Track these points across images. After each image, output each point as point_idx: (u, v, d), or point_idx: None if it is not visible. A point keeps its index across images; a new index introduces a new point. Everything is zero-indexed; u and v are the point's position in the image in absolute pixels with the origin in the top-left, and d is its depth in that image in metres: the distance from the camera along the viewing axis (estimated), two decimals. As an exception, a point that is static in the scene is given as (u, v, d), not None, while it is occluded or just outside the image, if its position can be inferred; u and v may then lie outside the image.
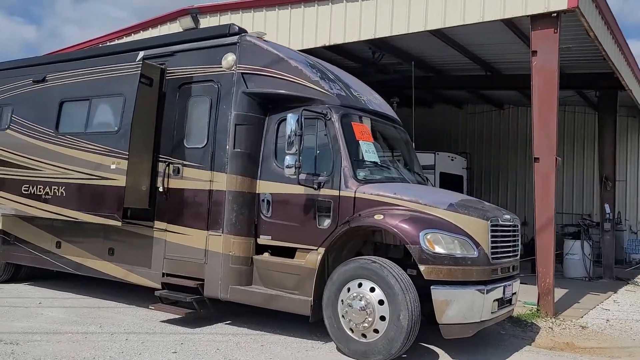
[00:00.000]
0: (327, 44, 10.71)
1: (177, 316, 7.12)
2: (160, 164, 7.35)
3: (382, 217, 5.70)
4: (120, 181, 7.07)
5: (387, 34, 10.08)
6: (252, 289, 6.52)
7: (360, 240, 6.37)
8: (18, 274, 9.63)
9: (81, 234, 8.11)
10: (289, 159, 6.04)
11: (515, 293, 6.34)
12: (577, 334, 7.45)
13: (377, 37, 10.25)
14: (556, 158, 8.37)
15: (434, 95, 19.31)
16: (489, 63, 14.15)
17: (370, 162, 6.47)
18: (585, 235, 14.09)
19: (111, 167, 7.19)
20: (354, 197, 6.00)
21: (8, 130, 8.62)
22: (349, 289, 5.76)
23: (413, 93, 9.84)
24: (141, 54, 7.21)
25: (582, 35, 9.75)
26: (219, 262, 6.66)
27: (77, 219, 7.51)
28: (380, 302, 5.52)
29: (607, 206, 13.68)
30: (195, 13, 12.85)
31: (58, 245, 8.42)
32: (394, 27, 9.97)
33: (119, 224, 7.06)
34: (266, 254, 6.71)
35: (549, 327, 7.62)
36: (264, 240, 6.68)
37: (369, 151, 6.47)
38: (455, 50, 12.66)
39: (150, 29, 14.08)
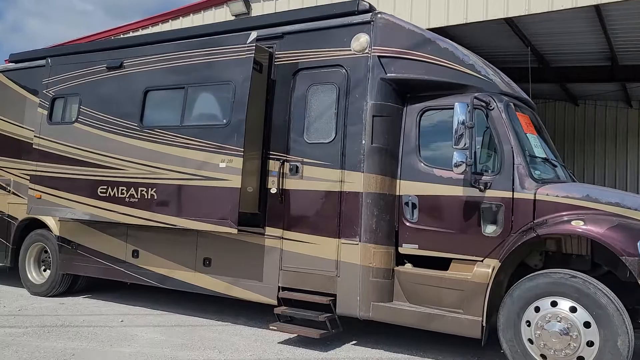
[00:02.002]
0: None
1: (291, 336, 6.26)
2: (271, 161, 6.41)
3: (581, 223, 4.86)
4: (233, 182, 6.10)
5: (481, 18, 9.24)
6: (403, 307, 5.63)
7: (526, 249, 5.51)
8: (75, 286, 8.61)
9: (166, 241, 7.11)
10: (457, 156, 5.16)
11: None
12: None
13: (468, 22, 9.43)
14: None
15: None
16: (542, 55, 13.45)
17: (541, 158, 5.63)
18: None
19: (220, 166, 6.21)
20: (534, 200, 5.15)
21: (76, 124, 7.54)
22: (537, 309, 4.91)
23: (530, 85, 8.99)
24: (254, 34, 6.22)
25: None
26: (356, 275, 5.76)
27: (175, 225, 6.51)
28: (586, 325, 4.68)
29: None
30: (247, -3, 11.87)
31: (135, 254, 7.40)
32: (488, 11, 9.16)
33: (234, 231, 6.09)
34: (409, 265, 5.83)
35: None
36: (407, 249, 5.79)
37: (537, 146, 5.63)
38: (519, 41, 11.93)
39: (192, 14, 13.05)
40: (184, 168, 6.48)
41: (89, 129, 7.39)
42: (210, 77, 6.51)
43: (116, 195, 6.99)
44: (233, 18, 12.17)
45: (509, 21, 10.46)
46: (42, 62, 8.54)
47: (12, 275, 9.34)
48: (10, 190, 8.90)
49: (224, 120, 6.32)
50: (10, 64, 9.57)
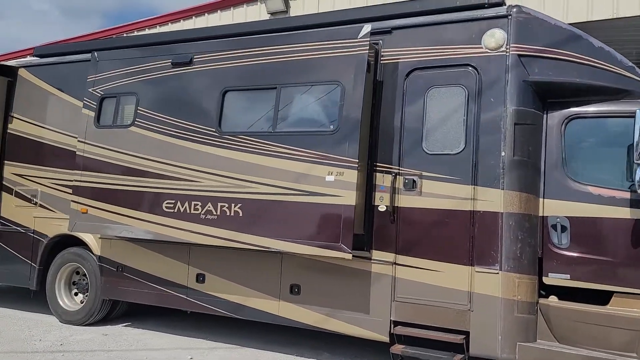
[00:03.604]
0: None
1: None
2: (378, 174, 5.54)
3: None
4: (346, 198, 5.20)
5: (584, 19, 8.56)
6: (560, 349, 4.79)
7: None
8: (112, 313, 7.52)
9: (240, 264, 6.15)
10: None
11: None
12: None
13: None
14: None
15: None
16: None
17: None
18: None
19: (327, 179, 5.31)
20: None
21: (133, 128, 6.52)
22: None
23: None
24: (367, 27, 5.36)
25: None
26: (496, 309, 4.92)
27: (268, 248, 5.56)
28: None
29: None
30: (288, -6, 10.99)
31: (200, 278, 6.41)
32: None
33: (347, 256, 5.19)
34: (554, 298, 5.03)
35: None
36: (555, 279, 4.98)
37: None
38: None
39: (219, 11, 12.10)
40: (279, 181, 5.55)
41: (149, 133, 6.38)
42: (311, 76, 5.60)
43: (188, 211, 5.99)
44: (269, 16, 11.29)
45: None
46: (80, 56, 7.54)
47: (33, 300, 8.21)
48: (36, 203, 7.76)
49: (331, 127, 5.43)
50: (35, 58, 8.46)
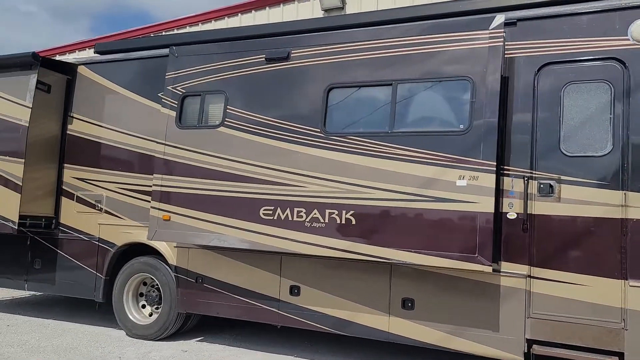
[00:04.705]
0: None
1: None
2: (506, 178, 5.06)
3: None
4: (482, 204, 4.73)
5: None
6: None
7: None
8: (184, 326, 7.02)
9: (342, 276, 5.67)
10: None
11: None
12: None
13: None
14: None
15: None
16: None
17: None
18: None
19: (457, 184, 4.83)
20: None
21: (222, 129, 6.03)
22: None
23: None
24: (500, 17, 4.91)
25: None
26: (656, 328, 4.46)
27: (390, 259, 5.06)
28: None
29: None
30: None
31: (294, 291, 5.93)
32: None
33: (487, 269, 4.71)
34: None
35: None
36: None
37: None
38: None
39: (267, 7, 11.63)
40: (398, 186, 5.07)
41: (242, 134, 5.90)
42: (435, 71, 5.12)
43: (290, 219, 5.51)
44: (322, 13, 10.83)
45: None
46: (152, 52, 7.09)
47: (89, 312, 7.74)
48: (101, 209, 7.28)
49: (461, 126, 4.95)
50: (96, 55, 7.99)
